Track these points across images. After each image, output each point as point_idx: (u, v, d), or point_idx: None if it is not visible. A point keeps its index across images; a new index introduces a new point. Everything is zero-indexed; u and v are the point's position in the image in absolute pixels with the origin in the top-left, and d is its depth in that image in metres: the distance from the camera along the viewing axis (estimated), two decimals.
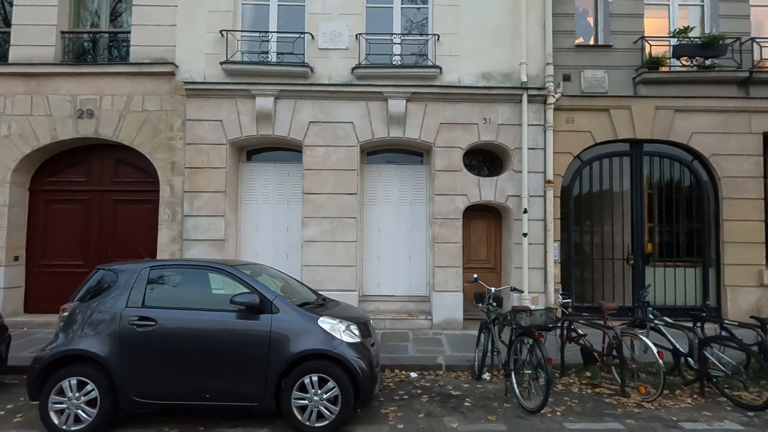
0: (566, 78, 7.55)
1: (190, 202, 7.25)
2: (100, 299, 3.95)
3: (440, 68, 7.31)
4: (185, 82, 7.25)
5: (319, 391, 3.70)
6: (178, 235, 7.29)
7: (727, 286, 7.41)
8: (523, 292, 6.72)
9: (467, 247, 7.84)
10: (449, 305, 7.22)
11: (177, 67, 7.35)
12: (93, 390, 3.67)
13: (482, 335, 5.25)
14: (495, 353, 4.97)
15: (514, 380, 4.43)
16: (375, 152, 8.05)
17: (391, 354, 5.91)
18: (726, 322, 4.95)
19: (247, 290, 3.92)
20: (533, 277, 7.22)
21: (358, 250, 7.48)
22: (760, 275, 7.36)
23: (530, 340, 4.20)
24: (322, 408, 3.69)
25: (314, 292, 5.01)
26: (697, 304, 7.51)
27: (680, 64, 7.50)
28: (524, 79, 7.30)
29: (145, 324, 3.79)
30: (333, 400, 3.70)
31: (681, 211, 7.73)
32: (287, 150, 7.86)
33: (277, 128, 7.37)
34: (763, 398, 4.35)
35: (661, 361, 4.25)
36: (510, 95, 7.34)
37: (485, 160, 8.06)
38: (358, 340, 3.94)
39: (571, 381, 5.08)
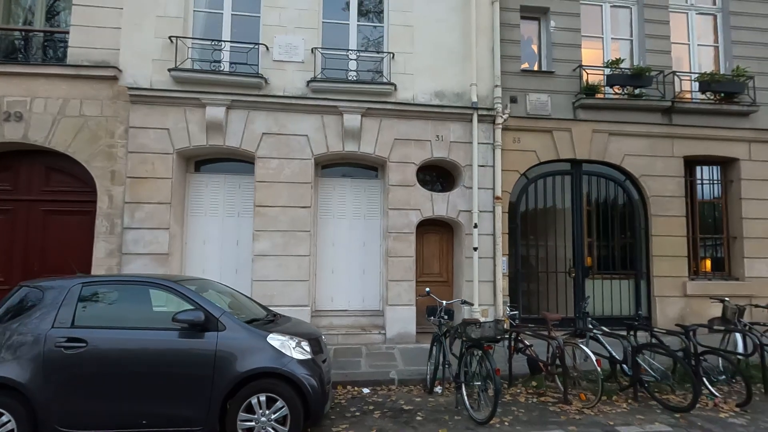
0: (513, 100, 7.97)
1: (131, 213, 6.83)
2: (21, 319, 3.60)
3: (395, 85, 7.47)
4: (129, 88, 6.89)
5: (267, 412, 3.56)
6: (116, 248, 6.82)
7: (656, 296, 8.02)
8: (473, 304, 6.88)
9: (420, 260, 7.95)
10: (403, 319, 7.25)
11: (120, 71, 6.99)
12: (9, 421, 3.32)
13: (434, 348, 5.30)
14: (446, 366, 5.03)
15: (464, 392, 4.50)
16: (330, 165, 8.03)
17: (343, 370, 5.82)
18: (656, 330, 5.34)
19: (192, 307, 3.73)
20: (483, 289, 7.43)
21: (312, 264, 7.37)
22: (684, 286, 8.03)
23: (479, 352, 4.30)
24: (270, 429, 3.56)
25: (264, 308, 4.86)
26: (631, 313, 8.05)
27: (613, 92, 8.16)
28: (475, 99, 7.62)
29: (74, 346, 3.49)
30: (282, 421, 3.58)
31: (616, 226, 8.33)
32: (239, 161, 7.65)
33: (229, 139, 7.16)
34: (687, 400, 4.71)
35: (599, 369, 4.51)
36: (461, 114, 7.63)
37: (438, 175, 8.27)
38: (309, 356, 3.86)
39: (518, 391, 5.24)
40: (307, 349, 3.89)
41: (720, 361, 5.43)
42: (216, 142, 7.13)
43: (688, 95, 8.43)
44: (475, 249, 7.40)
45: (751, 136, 8.38)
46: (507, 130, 7.83)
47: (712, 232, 8.69)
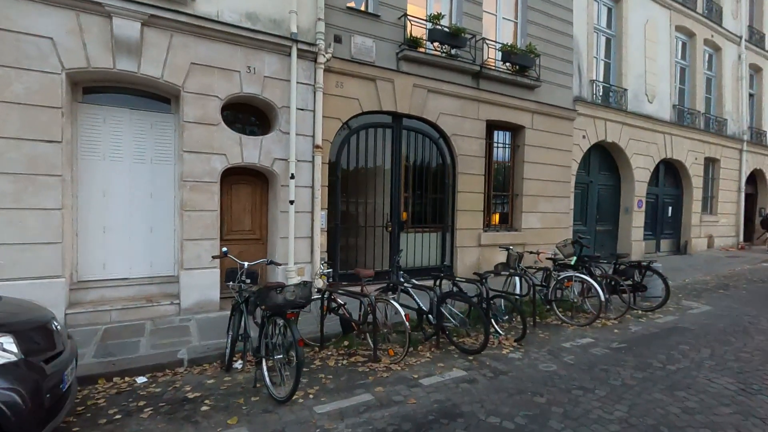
0: (337, 39, 7.23)
1: None
2: None
3: None
4: None
5: None
6: None
7: (457, 247, 8.82)
8: (281, 264, 6.08)
9: (229, 216, 6.80)
10: (203, 285, 6.10)
11: None
12: None
13: (233, 318, 4.45)
14: (247, 338, 4.26)
15: (264, 367, 3.83)
16: (98, 89, 5.95)
17: (111, 357, 4.48)
18: (457, 279, 5.64)
19: None
20: (300, 247, 6.81)
21: (68, 220, 5.44)
22: (479, 237, 9.04)
23: (282, 321, 3.66)
24: None
25: None
26: (438, 264, 8.70)
27: (433, 48, 8.23)
28: (294, 30, 6.57)
29: None
30: None
31: (429, 182, 8.70)
32: None
33: None
34: (479, 341, 5.11)
35: (407, 323, 4.42)
36: (278, 45, 6.51)
37: (251, 116, 7.06)
38: (14, 358, 2.54)
39: (329, 353, 4.87)
40: (13, 347, 2.56)
41: (502, 302, 6.14)
42: None
43: (492, 63, 9.15)
44: (292, 202, 6.64)
45: (534, 108, 9.71)
46: (330, 72, 7.11)
47: (501, 190, 9.98)
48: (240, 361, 4.52)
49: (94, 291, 5.77)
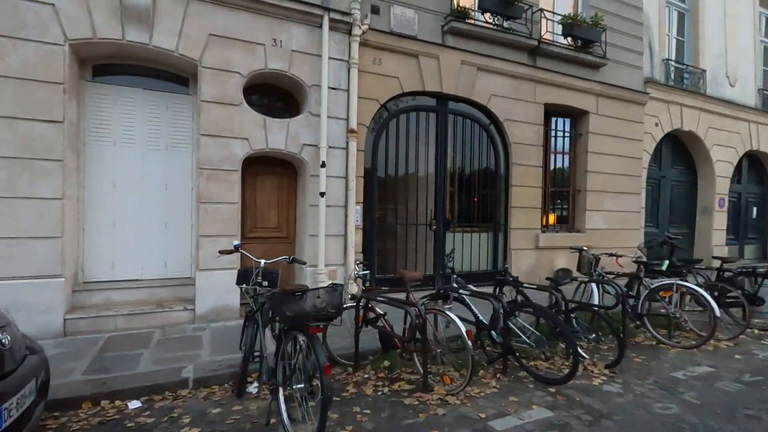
0: (375, 10, 6.33)
1: None
2: None
3: None
4: None
5: None
6: None
7: (512, 249, 7.62)
8: (305, 263, 5.12)
9: (252, 211, 6.00)
10: (220, 288, 5.28)
11: None
12: None
13: (247, 330, 3.55)
14: (263, 356, 3.33)
15: (281, 397, 2.89)
16: (109, 69, 5.31)
17: (105, 374, 3.69)
18: (525, 285, 4.50)
19: None
20: (331, 246, 5.89)
21: (70, 212, 4.77)
22: (537, 239, 7.81)
23: (304, 338, 2.70)
24: None
25: None
26: (489, 268, 7.54)
27: (484, 20, 7.17)
28: None
29: None
30: None
31: (479, 175, 7.59)
32: None
33: None
34: (557, 366, 3.96)
35: (469, 343, 3.35)
36: (307, 14, 5.68)
37: (276, 97, 6.26)
38: None
39: (366, 376, 3.87)
40: None
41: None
42: None
43: (550, 38, 7.95)
44: (323, 194, 5.75)
45: (599, 90, 8.40)
46: (366, 46, 6.21)
47: (560, 185, 8.69)
48: (255, 384, 3.60)
49: (99, 293, 5.07)
